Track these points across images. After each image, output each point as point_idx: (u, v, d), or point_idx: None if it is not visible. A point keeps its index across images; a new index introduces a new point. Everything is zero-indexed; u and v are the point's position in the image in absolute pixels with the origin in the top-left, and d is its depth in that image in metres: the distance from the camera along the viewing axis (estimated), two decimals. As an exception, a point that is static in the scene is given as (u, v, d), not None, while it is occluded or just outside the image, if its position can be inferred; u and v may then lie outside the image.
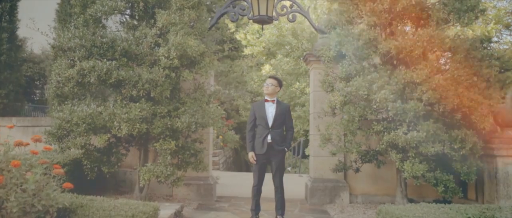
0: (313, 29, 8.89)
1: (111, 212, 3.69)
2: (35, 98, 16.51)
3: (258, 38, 17.85)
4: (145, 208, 3.93)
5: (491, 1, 10.93)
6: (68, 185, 3.39)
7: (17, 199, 3.08)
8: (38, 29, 5.91)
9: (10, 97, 10.21)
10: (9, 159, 3.21)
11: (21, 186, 3.15)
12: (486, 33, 9.07)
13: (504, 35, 11.89)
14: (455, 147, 5.43)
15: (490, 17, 10.20)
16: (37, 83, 16.30)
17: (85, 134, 5.73)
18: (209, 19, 7.21)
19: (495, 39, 11.19)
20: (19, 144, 3.44)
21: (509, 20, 10.88)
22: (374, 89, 5.56)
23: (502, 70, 10.27)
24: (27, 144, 3.53)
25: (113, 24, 6.52)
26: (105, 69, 5.47)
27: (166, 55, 5.62)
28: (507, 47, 11.08)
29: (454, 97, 5.44)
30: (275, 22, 8.81)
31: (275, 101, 5.32)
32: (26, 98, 13.89)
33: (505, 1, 11.71)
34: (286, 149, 5.28)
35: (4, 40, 10.01)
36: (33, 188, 3.15)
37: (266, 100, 5.33)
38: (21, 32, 10.97)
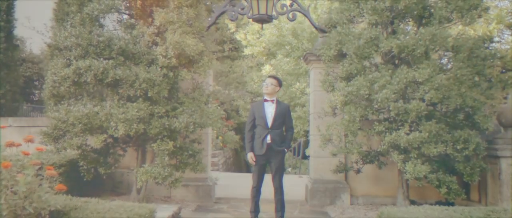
0: (314, 29, 8.80)
1: (105, 215, 3.60)
2: (34, 99, 16.41)
3: (258, 38, 17.77)
4: (141, 210, 3.84)
5: (493, 1, 10.84)
6: (61, 187, 3.30)
7: (8, 201, 2.99)
8: (34, 28, 5.85)
9: (7, 98, 10.09)
10: None
11: (11, 188, 3.05)
12: (488, 33, 8.98)
13: (506, 35, 11.80)
14: (458, 147, 5.35)
15: (492, 17, 10.11)
16: (36, 83, 16.20)
17: (82, 134, 5.66)
18: (209, 19, 7.12)
19: (496, 39, 11.10)
20: (10, 145, 3.35)
21: (511, 20, 10.78)
22: (375, 89, 5.48)
23: (504, 70, 10.20)
24: (19, 145, 3.43)
25: (111, 23, 6.45)
26: (101, 69, 5.40)
27: (164, 54, 5.55)
28: (509, 47, 10.99)
29: (456, 97, 5.37)
30: (275, 22, 8.75)
31: (275, 101, 5.21)
32: (25, 99, 13.78)
33: (507, 1, 11.61)
34: (285, 149, 5.19)
35: (0, 40, 9.91)
36: (24, 190, 3.05)
37: (266, 100, 5.23)
38: (20, 32, 10.86)
